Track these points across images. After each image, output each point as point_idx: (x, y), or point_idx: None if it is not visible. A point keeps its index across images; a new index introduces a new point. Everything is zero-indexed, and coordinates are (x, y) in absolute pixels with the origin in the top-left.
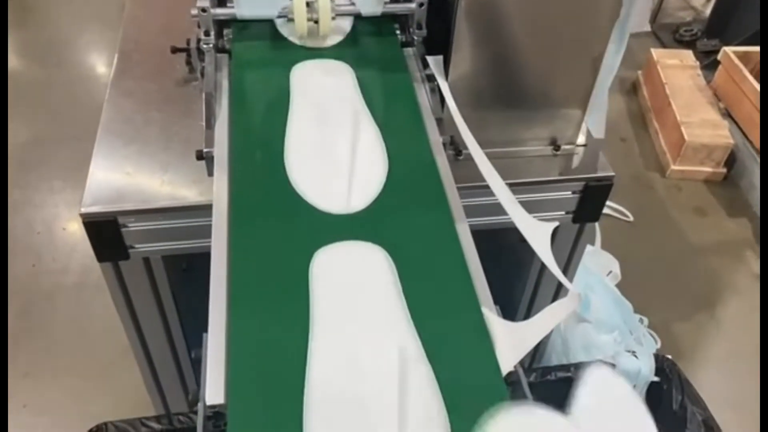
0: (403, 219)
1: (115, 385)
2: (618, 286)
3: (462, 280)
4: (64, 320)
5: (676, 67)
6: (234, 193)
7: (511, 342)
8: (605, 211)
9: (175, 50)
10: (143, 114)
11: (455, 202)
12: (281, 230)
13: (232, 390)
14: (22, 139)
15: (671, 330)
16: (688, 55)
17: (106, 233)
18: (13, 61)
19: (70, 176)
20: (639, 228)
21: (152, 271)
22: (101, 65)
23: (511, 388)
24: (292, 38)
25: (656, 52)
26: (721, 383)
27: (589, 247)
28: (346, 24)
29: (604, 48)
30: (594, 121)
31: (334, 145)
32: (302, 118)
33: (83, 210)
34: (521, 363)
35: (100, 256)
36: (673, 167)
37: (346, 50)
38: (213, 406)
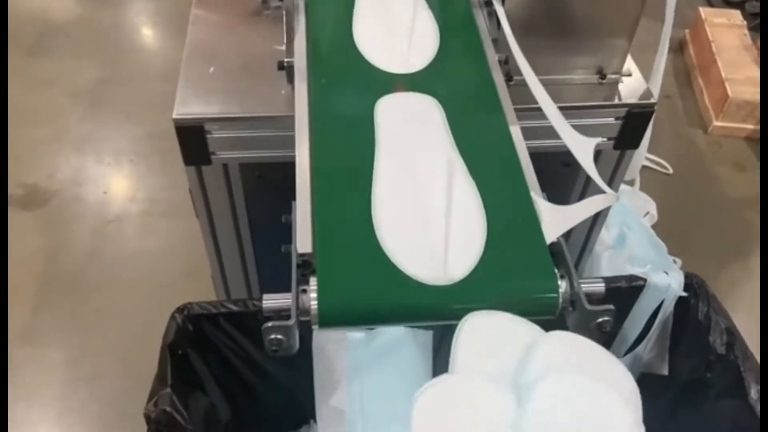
0: (467, 126)
1: (178, 299)
2: (654, 230)
3: (515, 171)
4: (131, 242)
5: (723, 26)
6: (312, 96)
7: (554, 218)
8: (645, 163)
9: None
10: (222, 39)
11: (509, 108)
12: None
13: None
14: (90, 80)
15: (704, 275)
16: (736, 15)
17: (193, 138)
18: (77, 8)
19: (135, 113)
20: (678, 180)
21: (229, 177)
22: (159, 10)
23: (555, 259)
24: None
25: (704, 11)
26: (750, 326)
27: (627, 188)
28: None
29: None
30: (653, 83)
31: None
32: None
33: (175, 115)
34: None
35: (187, 160)
36: (716, 123)
37: None
38: (303, 254)
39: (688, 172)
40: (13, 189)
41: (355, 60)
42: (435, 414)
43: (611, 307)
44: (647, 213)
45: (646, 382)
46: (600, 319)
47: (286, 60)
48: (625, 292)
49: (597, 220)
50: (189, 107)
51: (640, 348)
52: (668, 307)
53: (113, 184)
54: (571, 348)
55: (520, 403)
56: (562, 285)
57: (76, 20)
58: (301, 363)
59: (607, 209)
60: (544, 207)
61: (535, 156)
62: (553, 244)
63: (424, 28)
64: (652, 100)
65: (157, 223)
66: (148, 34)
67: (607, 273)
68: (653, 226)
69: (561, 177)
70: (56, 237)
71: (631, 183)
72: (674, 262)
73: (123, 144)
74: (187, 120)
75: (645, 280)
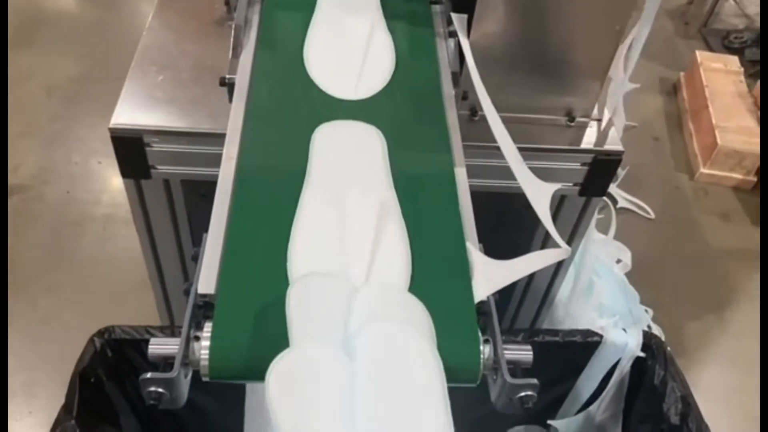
0: (408, 163)
1: (131, 310)
2: (629, 278)
3: (452, 217)
4: (90, 247)
5: (720, 71)
6: (248, 113)
7: (489, 273)
8: (626, 205)
9: None
10: (179, 45)
11: (458, 148)
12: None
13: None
14: (70, 75)
15: (677, 327)
16: (733, 61)
17: (131, 149)
18: (69, 1)
19: (110, 114)
20: (659, 226)
21: (171, 193)
22: (151, 7)
23: (482, 319)
24: None
25: (701, 55)
26: (720, 384)
27: (600, 236)
28: None
29: (627, 21)
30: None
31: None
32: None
33: (112, 124)
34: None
35: (124, 172)
36: (703, 170)
37: None
38: (204, 295)
39: (671, 219)
40: None
41: (300, 79)
42: (285, 390)
43: (534, 381)
44: (620, 260)
45: None
46: (522, 393)
47: (228, 76)
48: (580, 346)
49: (560, 268)
50: (129, 116)
51: (593, 407)
52: (625, 367)
53: (78, 185)
54: (377, 298)
55: (351, 357)
56: (486, 350)
57: (65, 15)
58: (233, 397)
59: (571, 257)
60: (478, 260)
61: (499, 196)
62: (481, 303)
63: (379, 54)
64: (620, 149)
65: (119, 229)
66: (136, 34)
67: (571, 323)
68: (628, 274)
69: (525, 220)
70: (13, 235)
71: (605, 230)
72: (646, 311)
73: (94, 145)
74: (124, 130)
75: (602, 336)
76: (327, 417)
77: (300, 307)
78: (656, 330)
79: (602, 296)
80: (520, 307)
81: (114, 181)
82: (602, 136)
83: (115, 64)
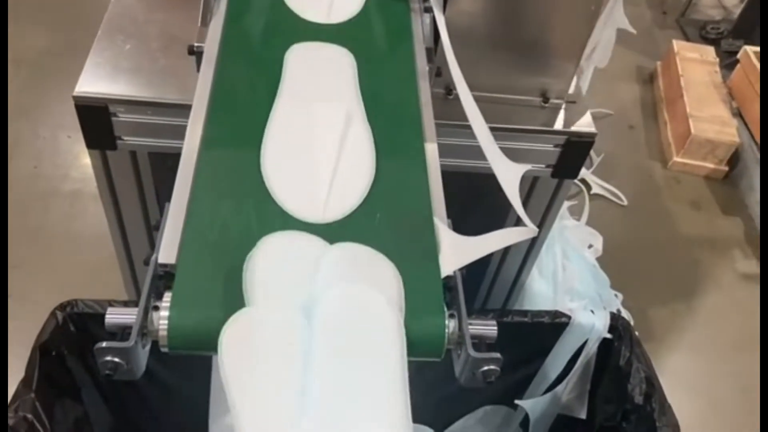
0: (378, 129)
1: (98, 286)
2: (599, 263)
3: (418, 190)
4: (57, 222)
5: (695, 61)
6: (217, 84)
7: (456, 249)
8: (599, 191)
9: None
10: (147, 14)
11: (429, 123)
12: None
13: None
14: (39, 47)
15: (646, 312)
16: (709, 51)
17: (96, 119)
18: None
19: None
20: (631, 213)
21: (138, 165)
22: None
23: (448, 294)
24: None
25: (677, 44)
26: (685, 369)
27: (572, 222)
28: None
29: (602, 1)
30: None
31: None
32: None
33: (76, 92)
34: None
35: (90, 143)
36: (676, 159)
37: None
38: (164, 265)
39: (643, 206)
40: None
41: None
42: (235, 355)
43: (497, 355)
44: (591, 246)
45: (562, 423)
46: (485, 368)
47: (196, 44)
48: (548, 327)
49: (531, 250)
50: (94, 85)
51: (560, 387)
52: (591, 348)
53: (46, 160)
54: (347, 259)
55: (309, 320)
56: (450, 324)
57: None
58: (200, 373)
59: (543, 239)
60: (445, 235)
61: (475, 176)
62: (448, 277)
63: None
64: (592, 131)
65: (87, 206)
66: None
67: (542, 306)
68: (599, 258)
69: (499, 201)
70: None
71: (579, 215)
72: (616, 296)
73: (63, 119)
74: (89, 98)
75: (569, 317)
76: (277, 386)
77: (263, 265)
78: (625, 314)
79: (573, 280)
80: (491, 290)
81: (83, 157)
82: (576, 117)
83: (87, 36)
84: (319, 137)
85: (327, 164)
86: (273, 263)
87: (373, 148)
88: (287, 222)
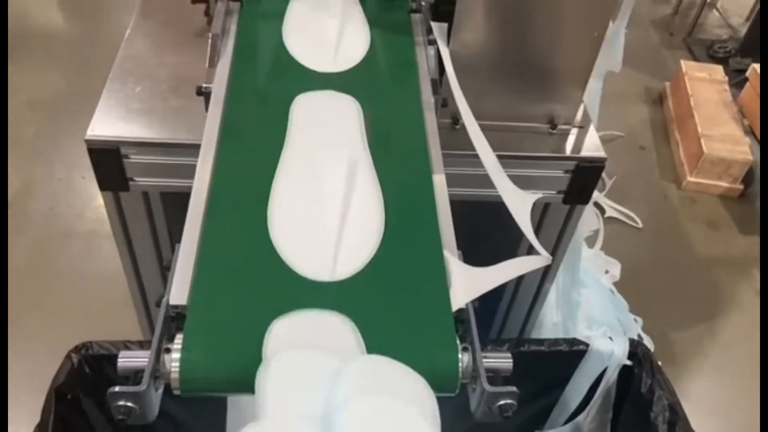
0: (385, 170)
1: (113, 327)
2: (618, 288)
3: (428, 222)
4: (72, 263)
5: (704, 80)
6: (225, 125)
7: (466, 281)
8: (614, 214)
9: (195, 1)
10: (158, 57)
11: (436, 155)
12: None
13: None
14: (54, 89)
15: (667, 336)
16: (717, 70)
17: (108, 161)
18: (56, 16)
19: None
20: (647, 235)
21: (150, 205)
22: None
23: (461, 327)
24: None
25: (686, 64)
26: (709, 393)
27: (588, 251)
28: None
29: (606, 26)
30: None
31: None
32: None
33: (88, 135)
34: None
35: (102, 184)
36: (689, 179)
37: None
38: (176, 306)
39: (659, 228)
40: None
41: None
42: None
43: (513, 389)
44: (607, 271)
45: None
46: (501, 402)
47: (204, 85)
48: (566, 356)
49: (546, 278)
50: (106, 127)
51: (581, 417)
52: (611, 376)
53: (61, 201)
54: (373, 370)
55: None
56: (464, 358)
57: (50, 29)
58: (214, 412)
59: (557, 266)
60: (456, 268)
61: (486, 205)
62: (460, 311)
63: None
64: (602, 155)
65: (102, 245)
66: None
67: (559, 335)
68: (617, 283)
69: (512, 228)
70: None
71: (592, 243)
72: (635, 320)
73: (77, 160)
74: (100, 141)
75: (587, 345)
76: None
77: (280, 375)
78: (646, 340)
79: (592, 308)
80: (506, 319)
81: (97, 197)
82: (584, 142)
83: (100, 78)
84: (325, 191)
85: (334, 221)
86: (288, 374)
87: (381, 198)
88: (296, 282)
